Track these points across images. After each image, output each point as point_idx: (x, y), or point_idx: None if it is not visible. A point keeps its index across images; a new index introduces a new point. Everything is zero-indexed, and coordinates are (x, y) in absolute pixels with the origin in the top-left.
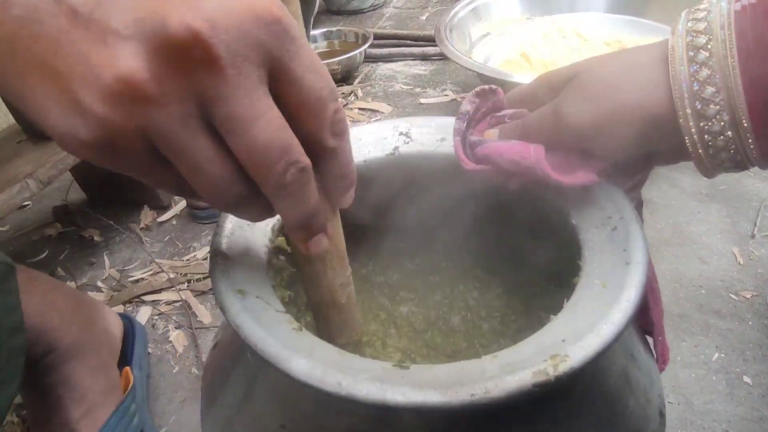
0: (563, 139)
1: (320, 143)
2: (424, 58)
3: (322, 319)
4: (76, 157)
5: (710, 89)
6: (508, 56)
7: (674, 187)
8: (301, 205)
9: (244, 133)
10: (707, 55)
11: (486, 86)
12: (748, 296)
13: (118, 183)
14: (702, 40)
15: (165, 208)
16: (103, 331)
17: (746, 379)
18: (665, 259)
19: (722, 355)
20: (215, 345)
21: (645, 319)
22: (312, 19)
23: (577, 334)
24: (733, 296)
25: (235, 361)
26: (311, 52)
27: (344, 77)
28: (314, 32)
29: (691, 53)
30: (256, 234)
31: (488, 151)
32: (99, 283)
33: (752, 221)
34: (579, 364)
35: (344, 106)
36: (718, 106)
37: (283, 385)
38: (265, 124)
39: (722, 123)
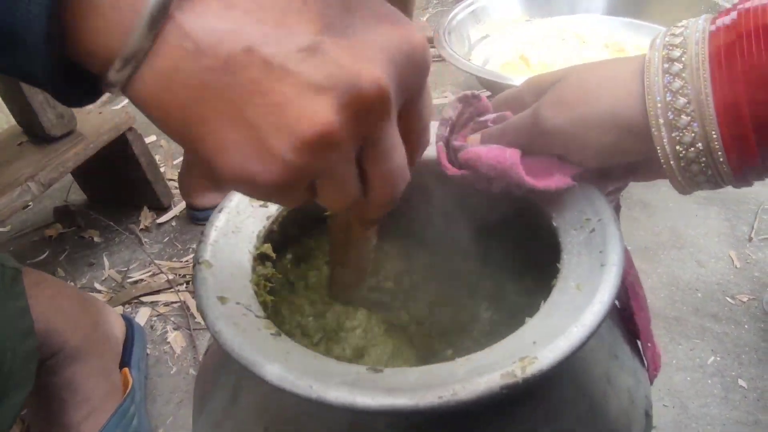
0: (539, 142)
1: (412, 162)
2: None
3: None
4: (241, 193)
5: (682, 100)
6: (508, 58)
7: (672, 190)
8: (395, 203)
9: (390, 161)
10: (681, 66)
11: (469, 92)
12: (745, 300)
13: (117, 184)
14: (677, 53)
15: (164, 210)
16: (106, 333)
17: (741, 382)
18: (662, 262)
19: (718, 358)
20: (207, 350)
21: (631, 324)
22: None
23: (548, 336)
24: (729, 300)
25: (222, 367)
26: (428, 85)
27: None
28: None
29: (666, 65)
30: (241, 241)
31: (468, 156)
32: (98, 285)
33: (750, 225)
34: (548, 366)
35: None
36: (689, 117)
37: (264, 390)
38: (400, 151)
39: (693, 134)
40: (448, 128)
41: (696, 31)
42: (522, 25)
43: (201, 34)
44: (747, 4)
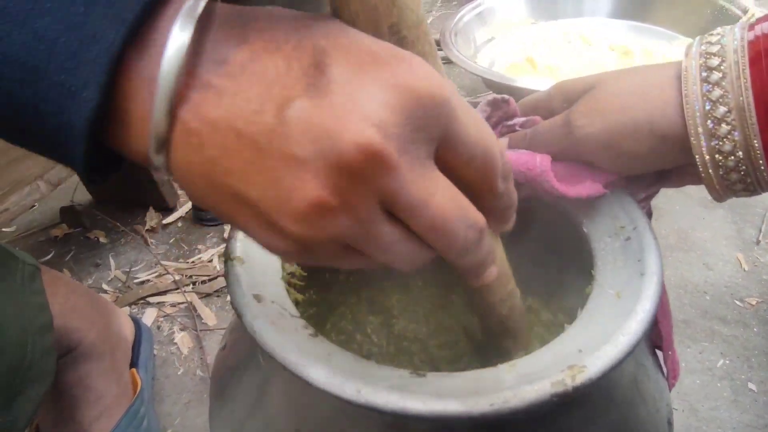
0: (572, 150)
1: (492, 192)
2: None
3: (488, 330)
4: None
5: (722, 109)
6: (514, 60)
7: (679, 193)
8: (478, 255)
9: (423, 214)
10: (720, 75)
11: (498, 96)
12: (753, 303)
13: (123, 185)
14: (715, 61)
15: (170, 210)
16: (117, 333)
17: (751, 386)
18: (670, 264)
19: (727, 361)
20: (224, 347)
21: (655, 332)
22: None
23: (593, 344)
24: (738, 302)
25: (246, 364)
26: (466, 107)
27: None
28: None
29: (705, 74)
30: None
31: None
32: (104, 285)
33: (757, 227)
34: (597, 375)
35: None
36: (729, 126)
37: (297, 390)
38: (440, 199)
39: (733, 143)
40: None
41: (734, 39)
42: (527, 28)
43: (201, 127)
44: None
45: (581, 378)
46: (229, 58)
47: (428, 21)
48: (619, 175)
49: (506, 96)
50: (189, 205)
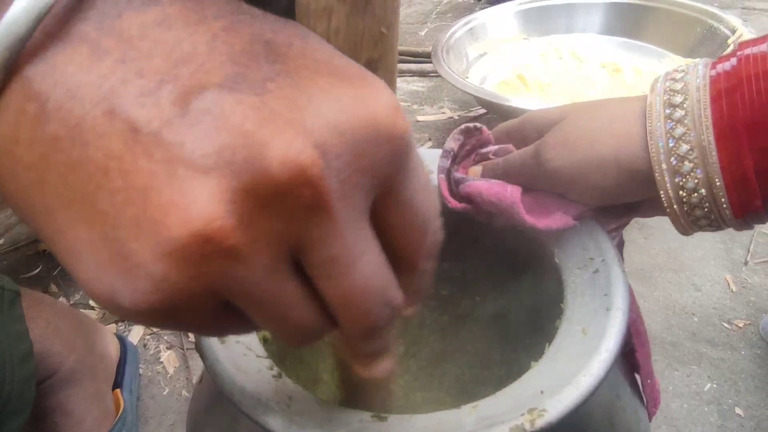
0: (542, 182)
1: (416, 269)
2: (422, 74)
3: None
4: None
5: (685, 146)
6: (505, 77)
7: None
8: (381, 340)
9: (343, 276)
10: (683, 113)
11: (471, 124)
12: (741, 325)
13: None
14: (678, 98)
15: None
16: (101, 355)
17: (738, 411)
18: (659, 285)
19: (714, 385)
20: (200, 380)
21: (632, 361)
22: None
23: (555, 384)
24: (725, 325)
25: (216, 402)
26: (421, 165)
27: None
28: None
29: (668, 111)
30: None
31: (470, 190)
32: (91, 301)
33: (746, 248)
34: (556, 419)
35: None
36: (692, 164)
37: None
38: (366, 263)
39: (696, 180)
40: (449, 160)
41: (696, 77)
42: (519, 44)
43: (51, 92)
44: (747, 51)
45: (540, 423)
46: (127, 14)
47: (423, 33)
48: (589, 206)
49: (479, 124)
50: None
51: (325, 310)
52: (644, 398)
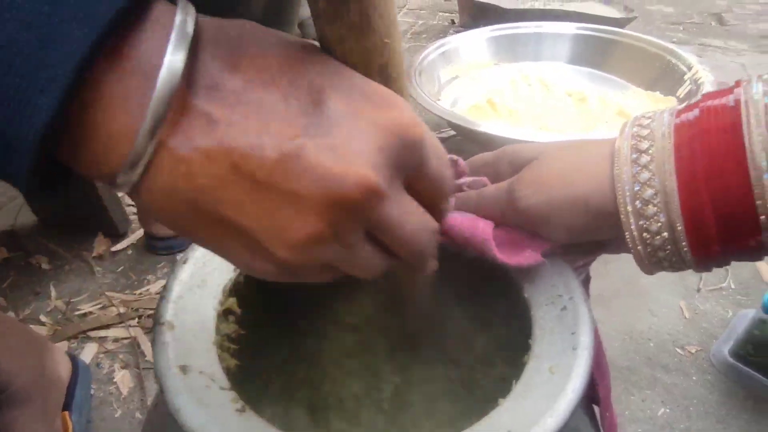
0: (515, 218)
1: (441, 205)
2: None
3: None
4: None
5: (650, 191)
6: (476, 101)
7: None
8: (431, 250)
9: (399, 233)
10: (648, 158)
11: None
12: (693, 351)
13: (71, 207)
14: (645, 144)
15: (121, 237)
16: (52, 375)
17: None
18: (617, 311)
19: (667, 410)
20: (156, 403)
21: (592, 394)
22: None
23: (523, 423)
24: (678, 350)
25: (172, 428)
26: (433, 141)
27: None
28: None
29: (635, 155)
30: (205, 296)
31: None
32: (42, 316)
33: (698, 275)
34: None
35: None
36: (656, 207)
37: None
38: (411, 217)
39: (659, 223)
40: None
41: (662, 124)
42: (491, 69)
43: (192, 156)
44: (709, 102)
45: None
46: (221, 84)
47: None
48: (559, 243)
49: (454, 156)
50: (141, 232)
51: (391, 252)
52: (602, 431)
